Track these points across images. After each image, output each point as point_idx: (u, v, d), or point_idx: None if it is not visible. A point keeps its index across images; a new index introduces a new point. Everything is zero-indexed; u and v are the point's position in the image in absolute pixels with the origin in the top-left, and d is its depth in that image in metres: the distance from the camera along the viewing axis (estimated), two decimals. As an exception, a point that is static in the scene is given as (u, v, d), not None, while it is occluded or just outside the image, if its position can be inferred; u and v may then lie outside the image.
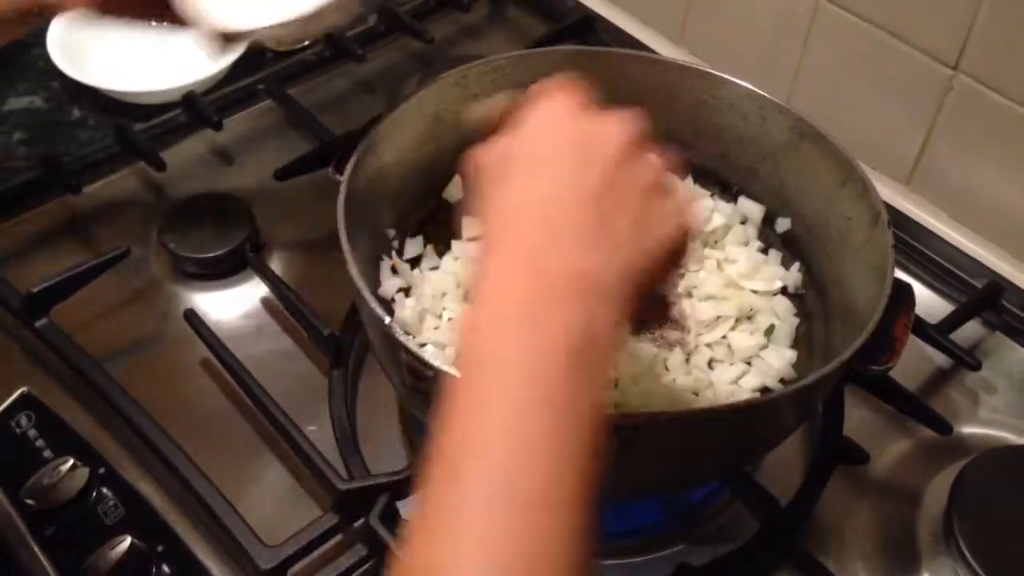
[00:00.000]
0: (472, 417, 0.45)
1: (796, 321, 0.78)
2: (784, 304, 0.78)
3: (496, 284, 0.48)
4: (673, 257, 0.53)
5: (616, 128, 0.53)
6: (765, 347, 0.76)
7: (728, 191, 0.83)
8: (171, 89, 1.01)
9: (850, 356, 0.63)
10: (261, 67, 1.08)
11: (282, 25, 0.71)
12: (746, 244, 0.81)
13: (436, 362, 0.61)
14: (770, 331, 0.76)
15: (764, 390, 0.74)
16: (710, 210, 0.81)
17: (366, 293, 0.64)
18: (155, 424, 0.77)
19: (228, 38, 0.72)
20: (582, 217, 0.49)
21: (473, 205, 0.53)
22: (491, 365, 0.46)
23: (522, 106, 0.55)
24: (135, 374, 0.83)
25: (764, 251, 0.82)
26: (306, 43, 1.10)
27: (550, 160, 0.52)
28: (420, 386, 0.64)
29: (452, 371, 0.60)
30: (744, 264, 0.78)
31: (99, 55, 1.04)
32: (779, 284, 0.79)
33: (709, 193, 0.84)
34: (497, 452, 0.43)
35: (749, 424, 0.64)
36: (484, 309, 0.48)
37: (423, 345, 0.76)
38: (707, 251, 0.80)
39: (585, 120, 0.54)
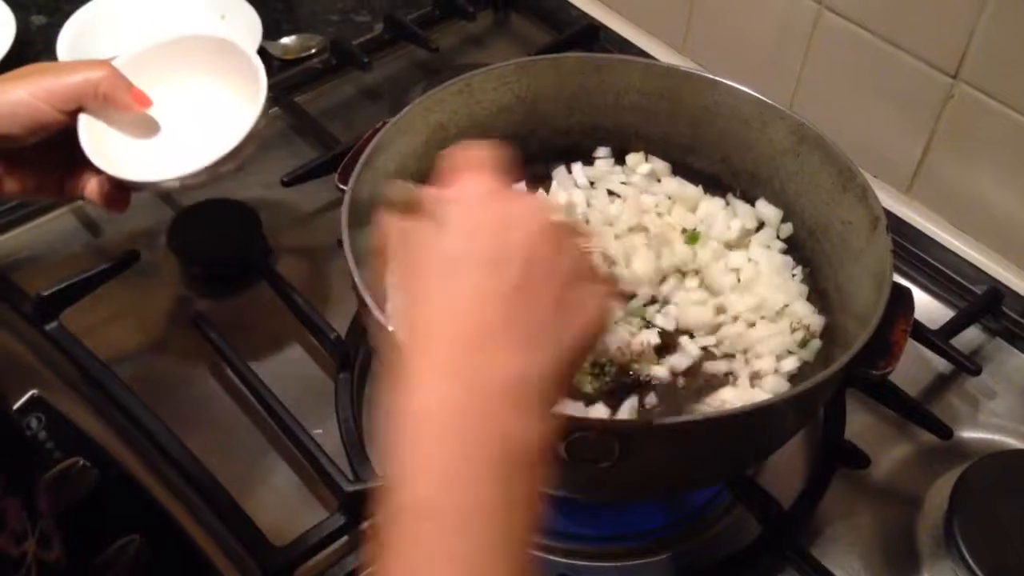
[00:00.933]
0: (408, 536, 0.45)
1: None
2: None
3: (424, 397, 0.47)
4: (593, 337, 0.52)
5: (530, 215, 0.51)
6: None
7: (732, 194, 0.84)
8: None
9: (848, 361, 0.63)
10: (268, 76, 1.09)
11: (181, 178, 0.73)
12: (768, 247, 0.82)
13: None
14: (804, 344, 0.77)
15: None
16: (723, 216, 0.82)
17: (369, 301, 0.65)
18: (163, 426, 0.78)
19: (131, 187, 0.74)
20: (504, 319, 0.49)
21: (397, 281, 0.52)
22: (426, 484, 0.45)
23: (438, 188, 0.53)
24: (144, 377, 0.84)
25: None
26: (311, 53, 1.12)
27: (466, 261, 0.50)
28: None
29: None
30: (765, 265, 0.79)
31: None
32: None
33: (724, 202, 0.84)
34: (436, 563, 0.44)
35: (749, 430, 0.64)
36: (413, 423, 0.47)
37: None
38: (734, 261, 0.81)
39: (499, 210, 0.51)
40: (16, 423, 0.77)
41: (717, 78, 0.81)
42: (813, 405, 0.72)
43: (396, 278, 0.52)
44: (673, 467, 0.67)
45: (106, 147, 0.73)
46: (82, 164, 0.71)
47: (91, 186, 0.73)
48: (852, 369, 0.65)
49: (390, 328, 0.64)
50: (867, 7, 0.94)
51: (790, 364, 0.75)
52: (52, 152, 0.72)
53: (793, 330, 0.76)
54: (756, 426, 0.65)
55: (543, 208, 0.52)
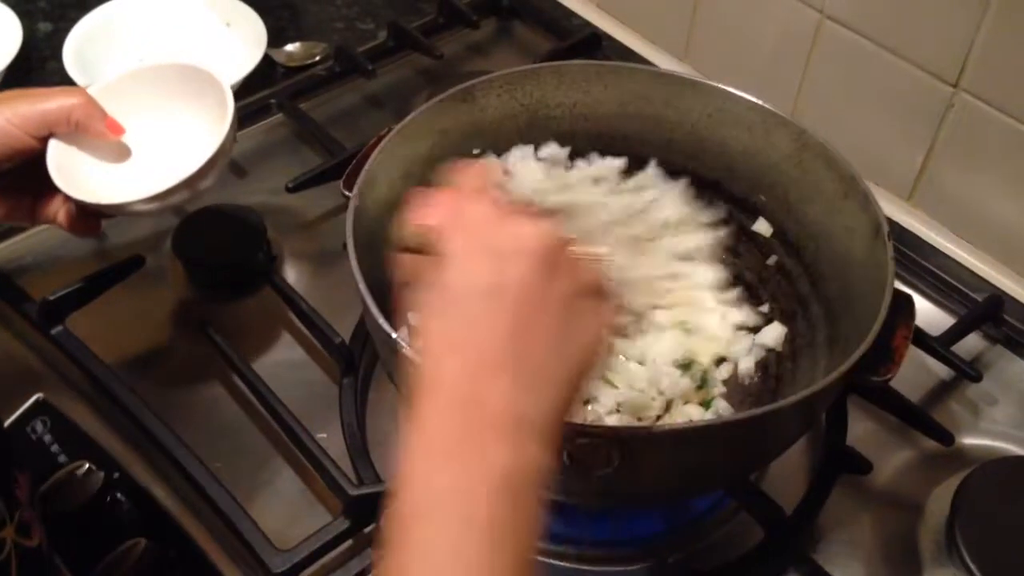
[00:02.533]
0: (412, 563, 0.46)
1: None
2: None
3: (429, 427, 0.48)
4: (596, 361, 0.53)
5: (526, 239, 0.51)
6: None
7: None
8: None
9: (850, 367, 0.64)
10: (273, 82, 1.10)
11: (145, 199, 0.73)
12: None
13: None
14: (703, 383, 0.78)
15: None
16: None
17: (373, 308, 0.65)
18: (168, 430, 0.78)
19: (98, 212, 0.75)
20: (501, 353, 0.49)
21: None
22: (428, 512, 0.46)
23: (437, 212, 0.54)
24: (149, 381, 0.84)
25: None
26: (316, 60, 1.12)
27: (464, 293, 0.51)
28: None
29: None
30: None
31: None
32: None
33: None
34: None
35: (750, 436, 0.65)
36: (419, 453, 0.48)
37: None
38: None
39: (496, 237, 0.52)
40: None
41: (720, 85, 0.82)
42: (814, 411, 0.72)
43: (416, 317, 0.53)
44: (674, 473, 0.67)
45: (75, 172, 0.74)
46: (53, 189, 0.73)
47: (61, 212, 0.75)
48: (854, 375, 0.65)
49: (392, 335, 0.64)
50: (868, 16, 0.95)
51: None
52: (24, 177, 0.73)
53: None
54: (757, 432, 0.65)
55: (541, 229, 0.52)
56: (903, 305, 0.69)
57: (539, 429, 0.49)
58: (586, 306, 0.52)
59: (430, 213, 0.54)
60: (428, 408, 0.49)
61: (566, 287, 0.51)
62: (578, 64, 0.84)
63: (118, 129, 0.76)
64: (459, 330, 0.50)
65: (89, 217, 0.75)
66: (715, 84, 0.82)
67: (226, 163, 0.78)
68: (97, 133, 0.74)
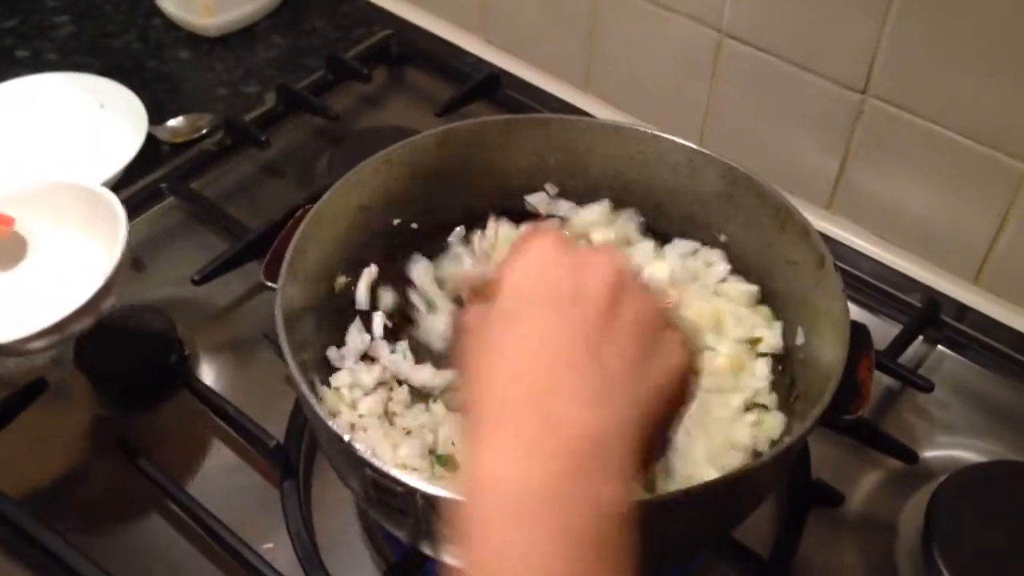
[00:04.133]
0: None
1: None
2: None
3: (491, 468, 0.43)
4: (677, 395, 0.50)
5: (603, 264, 0.49)
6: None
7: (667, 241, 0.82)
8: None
9: (822, 412, 0.62)
10: (159, 162, 1.03)
11: (24, 339, 0.71)
12: None
13: (407, 478, 0.58)
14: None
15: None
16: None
17: (322, 413, 0.61)
18: (97, 567, 0.72)
19: None
20: (574, 362, 0.45)
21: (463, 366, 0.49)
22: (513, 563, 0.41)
23: (507, 264, 0.51)
24: (70, 516, 0.77)
25: None
26: (203, 133, 1.06)
27: (532, 302, 0.48)
28: (389, 501, 0.61)
29: (429, 489, 0.57)
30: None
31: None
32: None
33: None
34: None
35: (725, 499, 0.62)
36: (492, 495, 0.43)
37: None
38: None
39: (570, 261, 0.49)
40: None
41: (638, 126, 0.79)
42: (786, 464, 0.70)
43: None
44: (657, 542, 0.64)
45: None
46: None
47: None
48: (825, 418, 0.63)
49: (345, 438, 0.60)
50: (768, 32, 0.94)
51: None
52: None
53: None
54: (732, 495, 0.63)
55: (613, 261, 0.49)
56: (861, 337, 0.67)
57: (619, 454, 0.44)
58: (663, 335, 0.49)
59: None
60: (490, 443, 0.44)
61: (640, 310, 0.48)
62: (491, 121, 0.80)
63: (7, 220, 0.70)
64: (526, 338, 0.46)
65: None
66: (635, 127, 0.79)
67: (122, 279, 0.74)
68: None
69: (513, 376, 0.45)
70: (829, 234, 0.98)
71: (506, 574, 0.41)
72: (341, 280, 0.77)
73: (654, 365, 0.47)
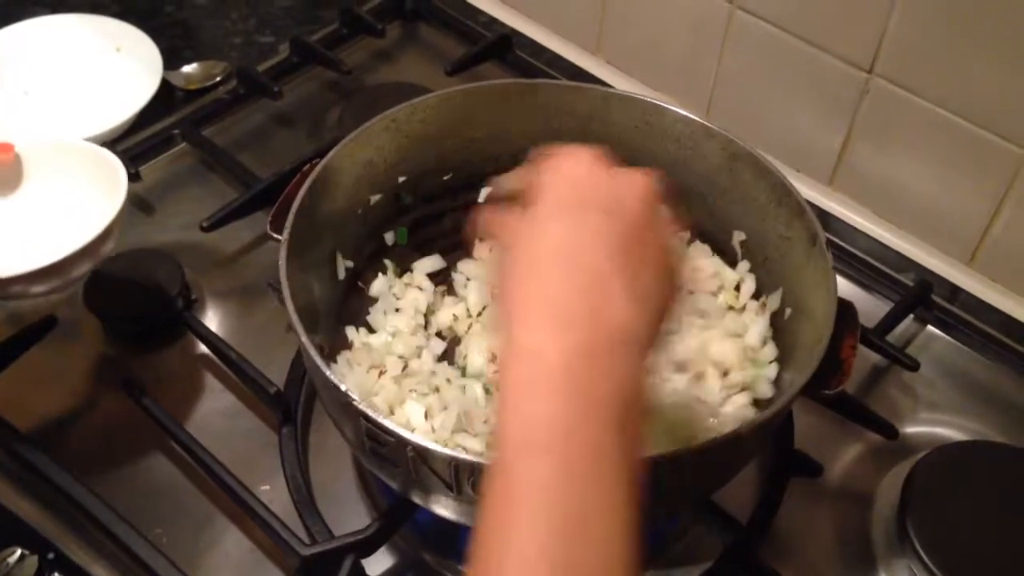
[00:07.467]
0: (521, 488, 0.44)
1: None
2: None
3: (538, 341, 0.47)
4: (674, 294, 0.54)
5: (638, 183, 0.54)
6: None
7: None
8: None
9: (802, 386, 0.64)
10: (173, 108, 1.05)
11: (26, 275, 0.72)
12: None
13: (398, 429, 0.60)
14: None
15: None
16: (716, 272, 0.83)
17: (321, 365, 0.63)
18: (102, 501, 0.74)
19: None
20: (613, 267, 0.49)
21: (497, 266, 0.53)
22: (539, 436, 0.45)
23: (543, 171, 0.55)
24: (75, 450, 0.80)
25: None
26: (216, 81, 1.08)
27: (577, 209, 0.51)
28: (380, 450, 0.63)
29: (419, 440, 0.60)
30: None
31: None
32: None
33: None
34: (551, 519, 0.43)
35: (713, 461, 0.64)
36: (526, 364, 0.47)
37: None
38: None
39: (608, 174, 0.54)
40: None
41: (646, 98, 0.80)
42: (770, 430, 0.72)
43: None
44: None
45: None
46: None
47: None
48: (805, 391, 0.65)
49: (342, 387, 0.62)
50: (779, 6, 0.94)
51: None
52: None
53: None
54: (718, 458, 0.65)
55: (647, 182, 0.54)
56: (847, 314, 0.69)
57: (642, 346, 0.49)
58: (672, 258, 0.53)
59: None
60: (537, 320, 0.48)
61: (664, 234, 0.53)
62: (500, 84, 0.81)
63: (6, 148, 0.73)
64: (575, 236, 0.50)
65: None
66: (641, 97, 0.80)
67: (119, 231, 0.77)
68: None
69: (559, 265, 0.49)
70: (828, 210, 0.99)
71: (534, 440, 0.45)
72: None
73: (668, 280, 0.53)
